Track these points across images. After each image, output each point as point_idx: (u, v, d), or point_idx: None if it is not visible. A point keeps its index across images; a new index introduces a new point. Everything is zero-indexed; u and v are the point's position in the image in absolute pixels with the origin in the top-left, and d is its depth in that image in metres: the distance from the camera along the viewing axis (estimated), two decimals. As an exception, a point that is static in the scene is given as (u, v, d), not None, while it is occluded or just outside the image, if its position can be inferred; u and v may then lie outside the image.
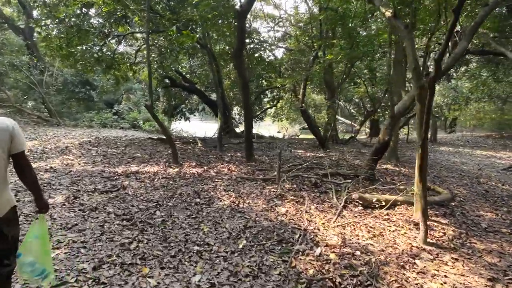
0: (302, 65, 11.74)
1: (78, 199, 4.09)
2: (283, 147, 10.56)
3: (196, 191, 4.78)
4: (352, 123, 20.86)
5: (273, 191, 4.73)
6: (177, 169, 6.29)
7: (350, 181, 4.70)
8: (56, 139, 10.03)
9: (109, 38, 9.43)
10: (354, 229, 3.62)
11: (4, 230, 1.58)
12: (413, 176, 6.28)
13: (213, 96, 17.67)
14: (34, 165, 6.25)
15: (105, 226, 3.23)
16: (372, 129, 17.91)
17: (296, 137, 19.81)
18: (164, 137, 11.31)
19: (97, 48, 10.26)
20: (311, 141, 13.40)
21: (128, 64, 11.29)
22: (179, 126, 20.08)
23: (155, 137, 10.94)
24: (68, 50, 10.48)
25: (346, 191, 4.46)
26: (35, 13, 18.67)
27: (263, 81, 15.07)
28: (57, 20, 9.87)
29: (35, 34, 18.73)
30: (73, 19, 9.72)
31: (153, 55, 12.22)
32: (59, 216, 3.37)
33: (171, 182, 5.33)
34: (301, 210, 4.06)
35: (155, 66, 13.04)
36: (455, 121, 20.98)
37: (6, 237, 1.59)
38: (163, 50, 12.20)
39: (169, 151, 8.57)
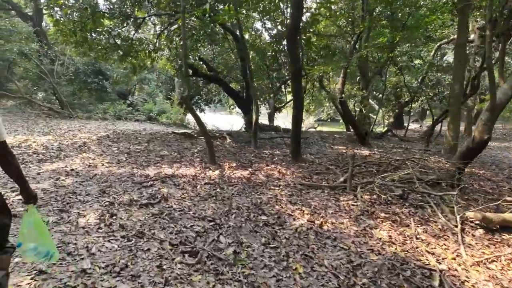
0: (337, 51, 10.61)
1: (115, 217, 3.18)
2: (317, 142, 9.54)
3: (256, 203, 3.84)
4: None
5: (353, 205, 3.77)
6: (217, 172, 5.35)
7: (454, 192, 3.72)
8: (71, 133, 9.17)
9: (131, 20, 8.39)
10: (502, 268, 2.66)
11: None
12: (504, 182, 5.33)
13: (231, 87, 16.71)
14: (52, 166, 5.38)
15: (164, 266, 2.31)
16: (396, 120, 16.76)
17: (314, 129, 18.68)
18: (187, 131, 10.42)
19: (115, 32, 9.26)
20: (342, 135, 12.35)
21: (147, 51, 10.28)
22: (192, 118, 19.19)
23: (179, 131, 10.02)
24: (82, 36, 9.53)
25: (456, 206, 3.47)
26: (43, -2, 17.72)
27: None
28: (70, 2, 8.87)
29: (43, 22, 17.83)
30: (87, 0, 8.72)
31: (173, 42, 11.19)
32: (98, 249, 2.45)
33: (218, 190, 4.40)
34: (408, 235, 3.10)
35: (174, 53, 12.03)
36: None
37: None
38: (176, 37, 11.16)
39: (198, 148, 7.64)
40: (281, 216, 3.44)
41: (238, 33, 8.71)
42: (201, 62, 11.75)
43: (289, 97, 17.81)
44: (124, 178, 4.89)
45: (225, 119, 20.84)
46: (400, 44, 9.00)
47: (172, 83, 18.23)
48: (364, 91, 10.63)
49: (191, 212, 3.51)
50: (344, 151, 8.03)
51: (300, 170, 5.50)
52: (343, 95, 8.96)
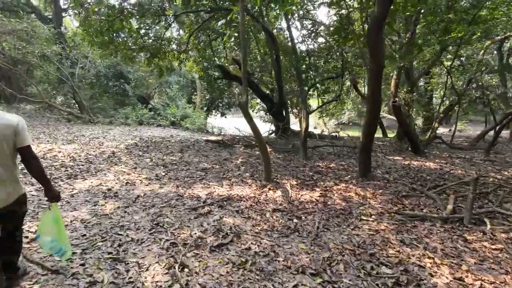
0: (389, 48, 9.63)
1: (188, 271, 2.31)
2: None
3: (359, 244, 2.91)
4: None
5: (494, 249, 2.79)
6: (279, 192, 4.45)
7: None
8: (96, 141, 8.44)
9: (163, 18, 7.63)
10: None
11: (16, 209, 1.81)
12: None
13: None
14: (85, 184, 4.59)
15: None
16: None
17: (337, 134, 17.53)
18: (218, 139, 9.58)
19: (143, 31, 8.52)
20: (385, 142, 11.30)
21: (175, 52, 9.52)
22: (212, 123, 18.34)
23: (212, 139, 9.19)
24: (109, 36, 8.85)
25: None
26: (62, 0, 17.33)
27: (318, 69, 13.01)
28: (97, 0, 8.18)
29: (62, 25, 17.41)
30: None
31: (200, 43, 10.42)
32: None
33: (295, 220, 3.49)
34: None
35: (202, 55, 11.26)
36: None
37: (18, 214, 1.86)
38: (211, 35, 10.37)
39: (240, 160, 6.77)
40: (408, 267, 2.50)
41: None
42: (235, 62, 10.87)
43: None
44: (172, 201, 4.04)
45: (242, 123, 20.01)
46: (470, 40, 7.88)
47: (194, 86, 17.52)
48: (408, 93, 9.57)
49: (280, 259, 2.61)
50: (406, 162, 7.01)
51: (380, 191, 4.54)
52: (397, 99, 7.95)
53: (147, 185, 4.75)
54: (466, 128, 19.29)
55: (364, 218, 3.52)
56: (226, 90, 15.09)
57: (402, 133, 8.35)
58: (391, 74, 8.03)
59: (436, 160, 7.61)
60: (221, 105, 18.47)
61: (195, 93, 17.72)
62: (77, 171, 5.32)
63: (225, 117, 19.56)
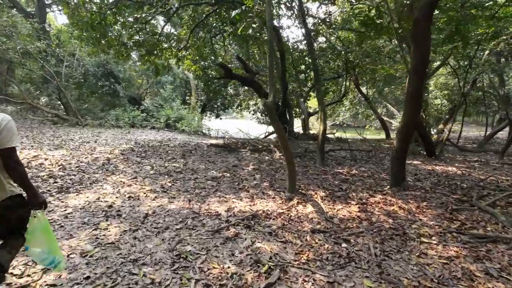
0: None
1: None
2: (379, 156, 8.05)
3: (441, 280, 2.33)
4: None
5: None
6: (311, 207, 3.85)
7: None
8: (87, 146, 7.63)
9: (164, 8, 6.90)
10: None
11: (6, 215, 1.65)
12: None
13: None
14: (80, 199, 3.87)
15: None
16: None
17: (333, 135, 17.10)
18: (219, 142, 8.91)
19: (139, 25, 7.76)
20: (391, 145, 10.89)
21: (174, 49, 8.81)
22: (208, 125, 17.58)
23: (216, 143, 8.51)
24: (101, 30, 8.07)
25: None
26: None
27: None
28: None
29: (46, 21, 16.35)
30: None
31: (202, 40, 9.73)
32: None
33: (343, 244, 2.89)
34: None
35: (201, 53, 10.57)
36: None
37: (10, 220, 1.68)
38: (214, 31, 9.71)
39: (251, 166, 6.14)
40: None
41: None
42: (239, 61, 10.19)
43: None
44: (188, 220, 3.37)
45: (235, 125, 19.28)
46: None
47: (188, 86, 16.74)
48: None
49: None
50: (428, 167, 6.55)
51: (424, 203, 4.00)
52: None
53: (153, 200, 4.06)
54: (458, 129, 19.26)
55: (425, 240, 2.95)
56: (222, 91, 14.40)
57: (419, 135, 7.89)
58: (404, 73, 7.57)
59: (456, 164, 7.20)
60: (216, 106, 17.77)
61: (189, 93, 16.94)
62: (69, 183, 4.56)
63: (220, 118, 18.88)
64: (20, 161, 1.66)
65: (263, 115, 18.25)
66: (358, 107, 19.87)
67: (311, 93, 14.41)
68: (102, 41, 8.17)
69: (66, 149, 7.08)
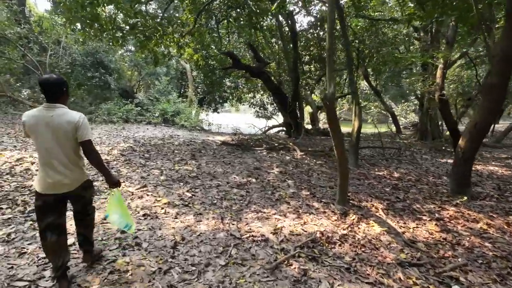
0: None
1: None
2: (401, 153, 7.38)
3: None
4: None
5: None
6: (377, 226, 3.10)
7: None
8: (81, 145, 6.62)
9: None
10: None
11: (81, 193, 2.00)
12: None
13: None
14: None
15: None
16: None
17: (325, 128, 16.36)
18: (235, 140, 8.04)
19: (139, 7, 6.74)
20: (409, 140, 10.30)
21: (176, 35, 7.82)
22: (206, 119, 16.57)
23: (228, 141, 7.65)
24: (93, 11, 7.01)
25: None
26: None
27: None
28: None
29: (26, 8, 14.88)
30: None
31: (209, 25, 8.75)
32: None
33: (455, 286, 2.14)
34: None
35: (207, 40, 9.59)
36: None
37: (84, 197, 2.05)
38: (218, 15, 8.74)
39: (275, 169, 5.34)
40: None
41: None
42: (250, 49, 9.17)
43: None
44: (231, 250, 2.56)
45: (232, 119, 18.34)
46: None
47: (184, 78, 15.66)
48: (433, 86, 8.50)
49: None
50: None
51: (509, 217, 3.30)
52: (444, 92, 6.83)
53: (175, 218, 3.21)
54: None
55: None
56: (223, 83, 13.45)
57: (449, 130, 7.25)
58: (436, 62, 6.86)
59: (492, 163, 6.60)
60: (213, 99, 16.80)
61: (186, 86, 15.88)
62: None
63: (218, 112, 17.93)
64: (96, 150, 1.95)
65: (261, 108, 17.44)
66: (361, 100, 19.24)
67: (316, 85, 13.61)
68: (95, 24, 7.11)
69: (56, 150, 6.08)
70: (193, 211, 3.43)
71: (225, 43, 11.48)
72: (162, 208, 3.45)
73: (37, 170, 4.64)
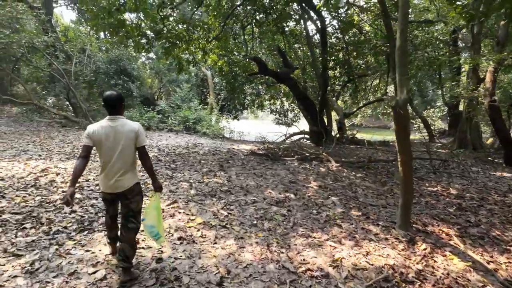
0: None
1: None
2: (456, 165, 6.70)
3: None
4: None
5: None
6: (457, 259, 2.57)
7: None
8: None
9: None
10: None
11: (128, 196, 2.17)
12: None
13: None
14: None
15: None
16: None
17: (354, 136, 15.42)
18: (259, 149, 7.60)
19: (165, 12, 6.54)
20: (446, 150, 9.56)
21: (203, 41, 7.56)
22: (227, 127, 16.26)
23: (257, 151, 7.26)
24: (118, 18, 6.88)
25: None
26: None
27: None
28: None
29: (53, 18, 15.24)
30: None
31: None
32: None
33: None
34: None
35: (225, 45, 9.32)
36: None
37: (130, 202, 2.18)
38: (244, 20, 8.45)
39: (313, 182, 4.87)
40: None
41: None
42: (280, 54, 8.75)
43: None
44: (286, 287, 2.11)
45: (251, 126, 17.96)
46: None
47: (205, 85, 15.50)
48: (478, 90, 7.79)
49: None
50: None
51: None
52: (495, 98, 6.17)
53: (215, 243, 2.81)
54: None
55: None
56: (245, 90, 13.14)
57: (501, 139, 6.55)
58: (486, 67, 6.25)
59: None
60: (233, 106, 16.51)
61: (206, 93, 15.71)
62: (91, 214, 3.33)
63: (238, 119, 17.64)
64: (149, 155, 2.28)
65: (281, 115, 17.00)
66: (385, 107, 18.43)
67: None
68: (121, 31, 6.96)
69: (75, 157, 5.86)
70: (233, 234, 3.02)
71: (248, 48, 11.22)
72: (198, 230, 3.06)
73: (62, 182, 4.38)
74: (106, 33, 14.02)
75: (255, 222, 3.33)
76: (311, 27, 14.45)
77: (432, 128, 20.34)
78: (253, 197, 4.14)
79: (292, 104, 16.69)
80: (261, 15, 8.33)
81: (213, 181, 4.87)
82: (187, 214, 3.48)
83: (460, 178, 5.40)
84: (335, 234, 3.02)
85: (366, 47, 10.66)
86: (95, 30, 6.90)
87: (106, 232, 2.49)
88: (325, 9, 8.16)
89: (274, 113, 16.64)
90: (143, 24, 7.24)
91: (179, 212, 3.52)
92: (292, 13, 9.20)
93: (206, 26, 7.25)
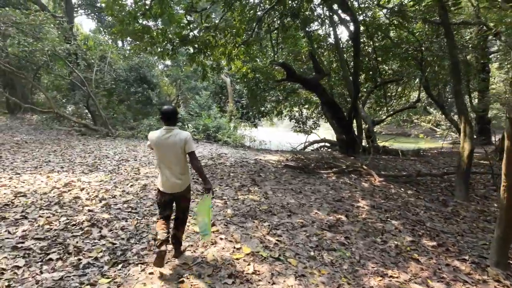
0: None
1: None
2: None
3: None
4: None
5: None
6: None
7: None
8: (128, 166, 6.09)
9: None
10: None
11: (186, 195, 2.55)
12: None
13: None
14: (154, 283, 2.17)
15: None
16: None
17: (385, 146, 14.43)
18: (287, 160, 7.08)
19: (193, 17, 6.21)
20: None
21: (230, 46, 7.20)
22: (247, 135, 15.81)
23: (291, 163, 6.78)
24: (143, 25, 6.65)
25: None
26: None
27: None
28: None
29: (74, 27, 15.34)
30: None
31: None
32: None
33: None
34: None
35: (249, 51, 8.96)
36: None
37: (186, 197, 2.57)
38: (271, 25, 8.07)
39: (361, 199, 4.33)
40: None
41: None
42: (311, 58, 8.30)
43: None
44: None
45: (269, 133, 17.46)
46: None
47: (224, 92, 15.19)
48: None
49: None
50: None
51: None
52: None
53: (272, 283, 2.33)
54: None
55: None
56: (267, 97, 12.72)
57: None
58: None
59: None
60: (252, 114, 16.12)
61: (225, 100, 15.39)
62: (122, 240, 2.91)
63: (256, 127, 17.22)
64: (198, 159, 2.50)
65: (300, 122, 16.48)
66: (408, 112, 17.60)
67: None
68: (145, 37, 6.69)
69: (104, 172, 5.53)
70: (291, 269, 2.53)
71: (271, 54, 10.84)
72: (248, 264, 2.59)
73: (87, 199, 4.00)
74: (126, 40, 13.91)
75: (312, 253, 2.83)
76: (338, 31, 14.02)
77: (457, 135, 19.23)
78: (299, 219, 3.64)
79: (311, 111, 16.20)
80: (288, 19, 7.93)
81: (249, 198, 4.41)
82: (231, 241, 3.02)
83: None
84: (416, 273, 2.48)
85: (394, 52, 10.10)
86: (119, 36, 6.63)
87: (159, 234, 2.46)
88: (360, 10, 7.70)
89: (294, 121, 16.15)
90: (168, 30, 6.94)
91: (221, 239, 3.06)
92: (319, 16, 8.77)
93: (234, 31, 6.87)
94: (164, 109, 2.40)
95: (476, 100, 16.40)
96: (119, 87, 11.96)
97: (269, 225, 3.45)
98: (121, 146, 8.80)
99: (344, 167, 6.20)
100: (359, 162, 6.33)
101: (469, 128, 4.17)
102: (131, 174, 5.45)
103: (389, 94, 13.61)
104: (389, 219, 3.62)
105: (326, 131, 17.71)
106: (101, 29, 16.83)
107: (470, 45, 11.03)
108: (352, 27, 7.50)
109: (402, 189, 4.97)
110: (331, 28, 9.49)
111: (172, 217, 2.65)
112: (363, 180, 5.56)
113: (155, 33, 6.73)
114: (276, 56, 10.08)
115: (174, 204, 2.55)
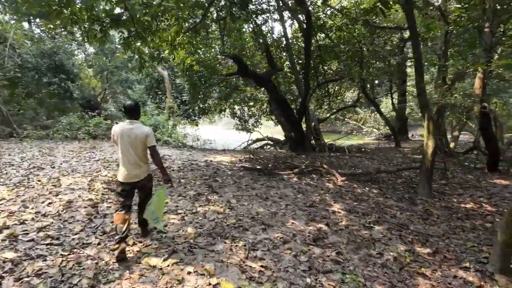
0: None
1: None
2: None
3: None
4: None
5: None
6: None
7: None
8: (42, 175, 4.74)
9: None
10: None
11: (146, 183, 2.72)
12: None
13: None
14: None
15: None
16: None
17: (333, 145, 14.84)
18: (240, 160, 6.45)
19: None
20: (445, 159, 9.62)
21: (173, 33, 6.23)
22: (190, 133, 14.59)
23: (247, 165, 6.14)
24: (61, -5, 5.26)
25: None
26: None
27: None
28: None
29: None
30: None
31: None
32: None
33: None
34: None
35: (196, 42, 8.08)
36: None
37: (147, 186, 2.77)
38: (222, 13, 7.34)
39: (336, 205, 4.03)
40: None
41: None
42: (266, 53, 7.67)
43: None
44: None
45: (208, 132, 16.74)
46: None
47: (161, 87, 13.75)
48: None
49: None
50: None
51: None
52: (486, 104, 6.13)
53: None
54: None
55: None
56: (210, 93, 11.85)
57: (489, 147, 6.56)
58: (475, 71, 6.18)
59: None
60: (193, 111, 15.05)
61: (162, 96, 13.96)
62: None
63: (197, 125, 16.18)
64: (159, 153, 2.72)
65: (241, 121, 16.11)
66: (345, 111, 18.67)
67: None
68: (64, 12, 5.30)
69: (6, 185, 4.13)
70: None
71: (216, 46, 10.06)
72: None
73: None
74: (35, 22, 11.44)
75: (308, 279, 2.30)
76: (277, 28, 13.65)
77: (378, 132, 21.13)
78: (277, 234, 3.09)
79: (255, 109, 15.95)
80: (236, 8, 7.30)
81: (210, 210, 3.69)
82: (202, 275, 2.30)
83: (474, 189, 5.08)
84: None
85: (336, 52, 10.35)
86: (26, 7, 5.06)
87: (117, 228, 2.51)
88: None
89: (236, 119, 15.64)
90: (95, 5, 5.62)
91: (189, 273, 2.32)
92: (268, 10, 8.36)
93: (180, 13, 5.92)
94: (128, 104, 2.65)
95: (396, 101, 18.36)
96: (26, 76, 9.69)
97: (244, 245, 2.81)
98: (31, 150, 7.01)
99: (303, 167, 5.89)
100: (318, 162, 6.11)
101: (432, 125, 4.21)
102: (47, 187, 4.16)
103: (329, 93, 14.13)
104: (371, 225, 3.33)
105: (267, 129, 17.67)
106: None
107: (396, 50, 12.05)
108: (304, 25, 7.30)
109: (367, 188, 4.84)
110: (279, 23, 9.17)
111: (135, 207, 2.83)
112: (325, 180, 5.32)
113: (77, 9, 5.39)
114: (224, 48, 9.36)
115: (135, 193, 2.72)
